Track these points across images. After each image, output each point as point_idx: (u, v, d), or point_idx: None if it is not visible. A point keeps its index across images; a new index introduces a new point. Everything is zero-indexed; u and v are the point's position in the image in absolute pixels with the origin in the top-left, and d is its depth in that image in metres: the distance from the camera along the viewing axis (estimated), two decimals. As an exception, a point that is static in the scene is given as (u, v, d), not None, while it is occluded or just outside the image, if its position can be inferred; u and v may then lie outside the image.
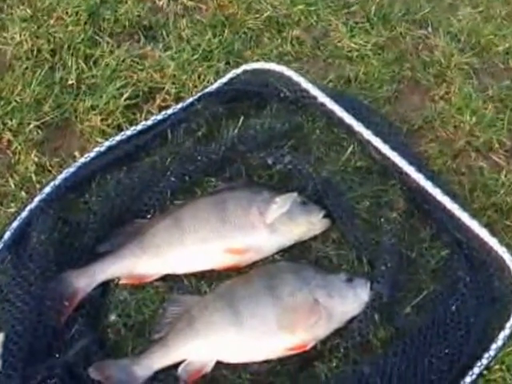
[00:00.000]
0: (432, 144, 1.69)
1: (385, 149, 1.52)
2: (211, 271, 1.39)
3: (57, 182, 1.45)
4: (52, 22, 1.80)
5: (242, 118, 1.59)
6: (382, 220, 1.45)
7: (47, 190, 1.44)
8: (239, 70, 1.68)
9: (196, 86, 1.71)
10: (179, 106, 1.63)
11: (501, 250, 1.39)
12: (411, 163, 1.50)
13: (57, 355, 1.23)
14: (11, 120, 1.60)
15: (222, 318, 1.29)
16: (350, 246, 1.43)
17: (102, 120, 1.62)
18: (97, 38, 1.79)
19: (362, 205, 1.49)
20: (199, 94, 1.63)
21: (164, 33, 1.83)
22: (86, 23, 1.80)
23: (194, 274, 1.38)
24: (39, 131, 1.60)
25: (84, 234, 1.39)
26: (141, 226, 1.42)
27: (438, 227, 1.46)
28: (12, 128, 1.59)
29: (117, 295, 1.35)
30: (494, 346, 1.30)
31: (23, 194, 1.49)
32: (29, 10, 1.82)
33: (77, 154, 1.57)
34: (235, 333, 1.28)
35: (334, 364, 1.28)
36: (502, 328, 1.32)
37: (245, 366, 1.27)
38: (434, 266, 1.43)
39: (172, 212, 1.44)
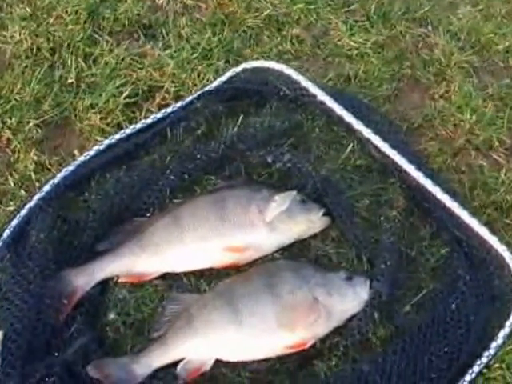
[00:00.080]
0: (432, 142, 1.69)
1: (384, 147, 1.52)
2: (210, 269, 1.39)
3: (56, 180, 1.46)
4: (51, 20, 1.80)
5: (241, 116, 1.59)
6: (382, 218, 1.45)
7: (46, 188, 1.44)
8: (239, 69, 1.68)
9: (195, 85, 1.71)
10: (179, 104, 1.63)
11: (501, 249, 1.39)
12: (411, 161, 1.50)
13: (56, 353, 1.23)
14: (11, 118, 1.60)
15: (221, 316, 1.29)
16: (349, 245, 1.43)
17: (101, 118, 1.62)
18: (96, 36, 1.79)
19: (362, 203, 1.49)
20: (199, 93, 1.63)
21: (163, 31, 1.83)
22: (85, 22, 1.80)
23: (194, 273, 1.38)
24: (39, 130, 1.60)
25: (83, 232, 1.39)
26: (140, 224, 1.42)
27: (438, 225, 1.46)
28: (11, 126, 1.59)
29: (116, 293, 1.35)
30: (493, 345, 1.30)
31: (22, 192, 1.49)
32: (28, 9, 1.82)
33: (76, 152, 1.57)
34: (234, 331, 1.28)
35: (334, 362, 1.28)
36: (501, 326, 1.32)
37: (244, 365, 1.27)
38: (433, 264, 1.43)
39: (171, 210, 1.44)
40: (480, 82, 1.83)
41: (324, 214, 1.44)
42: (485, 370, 1.29)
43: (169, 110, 1.61)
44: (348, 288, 1.32)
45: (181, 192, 1.49)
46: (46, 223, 1.36)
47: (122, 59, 1.74)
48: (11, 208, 1.45)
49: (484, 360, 1.28)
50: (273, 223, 1.40)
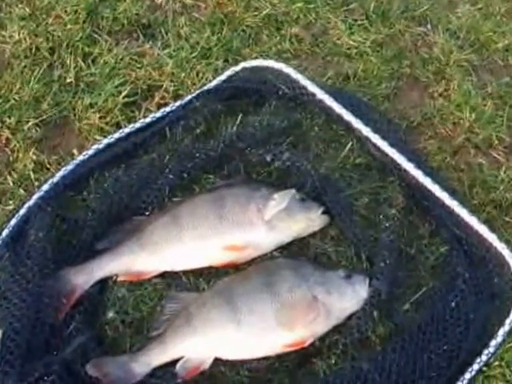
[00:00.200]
0: (431, 141, 1.69)
1: (383, 145, 1.52)
2: (209, 268, 1.39)
3: (55, 179, 1.46)
4: (51, 20, 1.80)
5: (240, 115, 1.59)
6: (381, 216, 1.45)
7: (45, 187, 1.44)
8: (238, 68, 1.68)
9: (194, 84, 1.71)
10: (178, 103, 1.63)
11: (500, 246, 1.39)
12: (410, 160, 1.50)
13: (54, 352, 1.23)
14: (10, 118, 1.60)
15: (220, 314, 1.28)
16: (348, 243, 1.43)
17: (100, 118, 1.62)
18: (95, 36, 1.79)
19: (361, 201, 1.49)
20: (198, 92, 1.64)
21: (163, 31, 1.83)
22: (84, 21, 1.80)
23: (193, 271, 1.38)
24: (38, 129, 1.60)
25: (82, 231, 1.39)
26: (139, 223, 1.42)
27: (437, 223, 1.46)
28: (10, 126, 1.59)
29: (115, 292, 1.35)
30: (493, 343, 1.30)
31: (21, 191, 1.49)
32: (27, 9, 1.82)
33: (75, 151, 1.57)
34: (233, 330, 1.27)
35: (333, 361, 1.28)
36: (501, 324, 1.32)
37: (243, 363, 1.27)
38: (433, 262, 1.43)
39: (170, 209, 1.43)
40: (479, 80, 1.83)
41: (323, 213, 1.44)
42: (484, 368, 1.29)
43: (168, 109, 1.62)
44: (347, 286, 1.32)
45: (180, 191, 1.49)
46: (44, 222, 1.36)
47: (121, 59, 1.74)
48: (10, 207, 1.45)
49: (484, 358, 1.28)
50: (272, 222, 1.40)
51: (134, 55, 1.76)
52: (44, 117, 1.62)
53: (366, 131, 1.53)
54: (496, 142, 1.70)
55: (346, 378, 1.22)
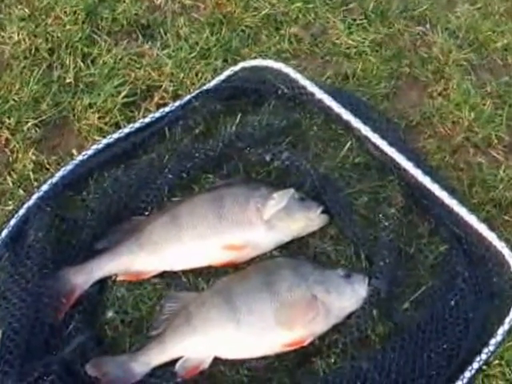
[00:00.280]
0: (430, 140, 1.69)
1: (383, 145, 1.52)
2: (209, 267, 1.39)
3: (54, 179, 1.46)
4: (50, 21, 1.80)
5: (239, 115, 1.60)
6: (380, 216, 1.45)
7: (45, 187, 1.44)
8: (237, 68, 1.68)
9: (194, 84, 1.71)
10: (177, 103, 1.63)
11: (500, 245, 1.39)
12: (409, 159, 1.50)
13: (54, 352, 1.23)
14: (9, 118, 1.60)
15: (220, 314, 1.28)
16: (348, 242, 1.43)
17: (99, 118, 1.62)
18: (94, 36, 1.79)
19: (360, 201, 1.49)
20: (197, 92, 1.64)
21: (162, 31, 1.84)
22: (83, 22, 1.80)
23: (192, 271, 1.38)
24: (37, 129, 1.60)
25: (81, 231, 1.39)
26: (138, 222, 1.42)
27: (437, 222, 1.46)
28: (10, 126, 1.59)
29: (114, 292, 1.35)
30: (493, 342, 1.30)
31: (21, 191, 1.49)
32: (27, 10, 1.82)
33: (74, 151, 1.57)
34: (233, 329, 1.27)
35: (333, 360, 1.28)
36: (501, 323, 1.32)
37: (243, 362, 1.27)
38: (432, 261, 1.43)
39: (169, 209, 1.43)
40: (478, 79, 1.84)
41: (322, 212, 1.44)
42: (484, 367, 1.29)
43: (167, 109, 1.62)
44: (346, 285, 1.32)
45: (179, 191, 1.49)
46: (44, 222, 1.36)
47: (121, 59, 1.75)
48: (10, 207, 1.45)
49: (483, 357, 1.28)
50: (271, 221, 1.40)
51: (134, 55, 1.76)
52: (43, 117, 1.62)
53: (365, 130, 1.53)
54: (495, 141, 1.70)
55: (345, 377, 1.22)
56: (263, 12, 1.89)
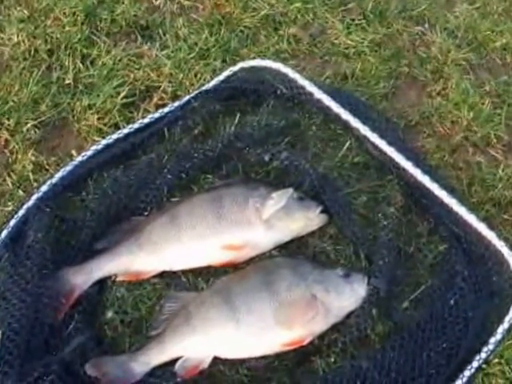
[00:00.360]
0: (429, 139, 1.69)
1: (382, 144, 1.52)
2: (208, 267, 1.39)
3: (54, 180, 1.46)
4: (49, 22, 1.81)
5: (238, 115, 1.60)
6: (380, 215, 1.45)
7: (44, 188, 1.44)
8: (236, 68, 1.68)
9: (193, 84, 1.71)
10: (176, 104, 1.63)
11: (499, 244, 1.39)
12: (408, 158, 1.50)
13: (54, 352, 1.23)
14: (8, 119, 1.60)
15: (219, 314, 1.28)
16: (347, 242, 1.43)
17: (98, 119, 1.63)
18: (94, 37, 1.79)
19: (360, 200, 1.49)
20: (196, 92, 1.64)
21: (161, 32, 1.84)
22: (82, 23, 1.80)
23: (191, 271, 1.38)
24: (36, 130, 1.61)
25: (81, 231, 1.39)
26: (138, 223, 1.42)
27: (436, 222, 1.46)
28: (9, 127, 1.60)
29: (114, 292, 1.35)
30: (492, 340, 1.30)
31: (20, 192, 1.49)
32: (26, 11, 1.82)
33: (74, 152, 1.58)
34: (232, 329, 1.27)
35: (332, 359, 1.28)
36: (500, 322, 1.32)
37: (242, 362, 1.27)
38: (431, 260, 1.43)
39: (169, 209, 1.44)
40: (477, 79, 1.84)
41: (321, 212, 1.44)
42: (484, 366, 1.29)
43: (166, 109, 1.62)
44: (346, 285, 1.32)
45: (178, 191, 1.49)
46: (43, 223, 1.37)
47: (120, 60, 1.75)
48: (9, 208, 1.46)
49: (483, 355, 1.28)
50: (270, 221, 1.40)
51: (133, 56, 1.77)
52: (43, 118, 1.62)
53: (364, 130, 1.54)
54: (494, 140, 1.70)
55: (345, 377, 1.22)
56: (262, 12, 1.89)
